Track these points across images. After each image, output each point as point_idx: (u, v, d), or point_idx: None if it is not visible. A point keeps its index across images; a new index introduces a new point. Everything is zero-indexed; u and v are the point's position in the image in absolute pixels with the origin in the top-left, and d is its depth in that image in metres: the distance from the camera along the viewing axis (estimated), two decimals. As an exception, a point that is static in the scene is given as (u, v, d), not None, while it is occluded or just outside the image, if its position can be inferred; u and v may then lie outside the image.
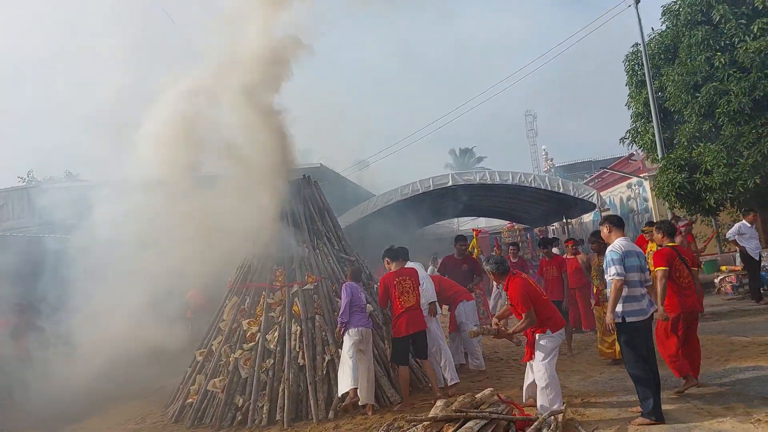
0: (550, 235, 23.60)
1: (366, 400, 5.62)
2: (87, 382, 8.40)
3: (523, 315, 4.82)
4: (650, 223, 9.84)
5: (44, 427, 6.93)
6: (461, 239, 8.07)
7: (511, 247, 10.04)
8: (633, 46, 13.06)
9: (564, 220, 23.09)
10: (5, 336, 8.98)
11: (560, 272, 7.63)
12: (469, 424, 4.08)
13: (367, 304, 6.27)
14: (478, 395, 4.70)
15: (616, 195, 19.54)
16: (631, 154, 17.15)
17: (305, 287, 6.64)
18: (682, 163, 11.10)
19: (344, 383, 5.62)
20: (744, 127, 10.16)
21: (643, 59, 12.25)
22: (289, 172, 7.61)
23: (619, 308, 4.61)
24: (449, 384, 6.10)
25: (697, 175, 10.80)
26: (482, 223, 36.89)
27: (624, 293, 4.62)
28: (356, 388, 5.57)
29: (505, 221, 32.09)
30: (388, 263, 6.30)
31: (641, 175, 16.03)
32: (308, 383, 5.85)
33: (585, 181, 24.05)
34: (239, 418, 5.87)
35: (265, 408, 5.80)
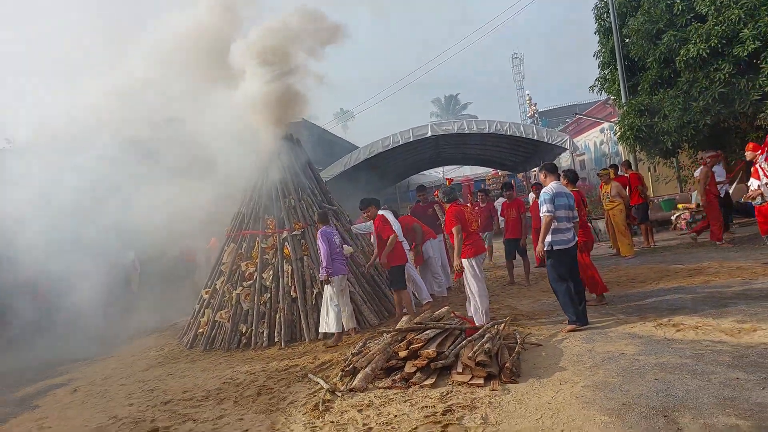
0: (532, 180, 24.59)
1: (349, 326, 6.70)
2: (112, 323, 9.65)
3: (453, 231, 5.94)
4: (603, 169, 10.83)
5: (83, 356, 8.09)
6: (421, 189, 9.12)
7: (480, 193, 10.98)
8: (601, -5, 13.56)
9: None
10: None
11: (518, 213, 8.61)
12: (428, 332, 5.16)
13: (346, 246, 7.28)
14: (436, 312, 5.81)
15: (591, 139, 20.38)
16: (607, 99, 17.88)
17: (294, 233, 7.61)
18: (642, 108, 11.87)
19: (329, 325, 6.63)
20: (698, 73, 10.87)
21: (610, 8, 12.79)
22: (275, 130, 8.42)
23: (548, 239, 5.62)
24: (423, 303, 7.23)
25: (656, 120, 11.61)
26: (467, 171, 37.73)
27: (553, 226, 5.61)
28: (341, 332, 6.63)
29: (489, 168, 33.01)
30: (365, 212, 7.31)
31: (612, 120, 16.84)
32: (300, 312, 6.94)
33: (564, 126, 24.83)
34: (244, 341, 7.00)
35: (265, 333, 6.91)
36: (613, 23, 12.64)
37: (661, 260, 9.04)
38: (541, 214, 5.68)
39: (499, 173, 31.67)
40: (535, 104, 45.29)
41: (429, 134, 17.73)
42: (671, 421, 3.26)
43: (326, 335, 6.78)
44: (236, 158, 8.17)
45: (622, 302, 6.47)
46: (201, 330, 7.45)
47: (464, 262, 5.99)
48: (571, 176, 6.88)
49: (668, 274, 7.73)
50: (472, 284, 5.99)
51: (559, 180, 5.97)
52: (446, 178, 11.02)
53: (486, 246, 11.46)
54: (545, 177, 5.92)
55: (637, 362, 4.32)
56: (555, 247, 5.61)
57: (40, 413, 5.60)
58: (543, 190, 5.79)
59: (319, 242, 6.73)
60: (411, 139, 17.81)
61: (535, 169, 28.72)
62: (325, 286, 6.74)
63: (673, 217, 12.15)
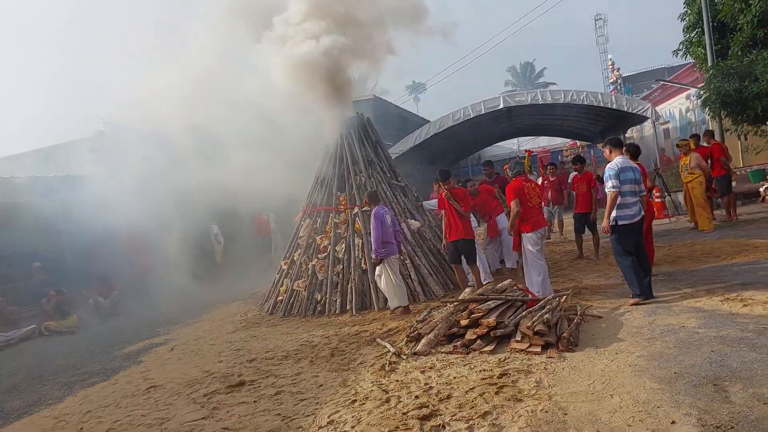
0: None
1: (394, 305, 6.94)
2: (203, 290, 10.81)
3: (511, 205, 6.14)
4: (683, 139, 10.28)
5: (178, 319, 9.15)
6: (488, 164, 9.10)
7: (549, 166, 10.84)
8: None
9: (623, 134, 22.81)
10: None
11: (589, 187, 8.50)
12: (489, 303, 5.41)
13: (413, 221, 7.63)
14: (499, 285, 6.02)
15: (676, 106, 19.12)
16: (694, 63, 16.66)
17: (364, 209, 8.05)
18: (731, 71, 11.05)
19: (398, 300, 6.87)
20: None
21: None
22: (345, 108, 8.85)
23: (613, 213, 5.61)
24: (483, 283, 7.44)
25: (746, 83, 10.78)
26: (544, 141, 36.48)
27: (618, 201, 5.59)
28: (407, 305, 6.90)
29: (567, 139, 31.78)
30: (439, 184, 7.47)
31: (698, 86, 15.70)
32: (370, 282, 7.41)
33: (647, 93, 23.38)
34: (319, 309, 7.61)
35: (338, 301, 7.46)
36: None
37: (742, 234, 8.62)
38: (606, 190, 5.67)
39: (578, 144, 30.43)
40: (619, 69, 42.64)
41: (501, 106, 17.47)
42: (720, 389, 3.33)
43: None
44: (307, 139, 8.73)
45: (693, 277, 6.34)
46: (280, 298, 8.15)
47: (522, 236, 6.14)
48: (633, 150, 6.74)
49: (746, 249, 7.41)
50: (529, 257, 6.16)
51: (623, 154, 5.90)
52: (525, 150, 10.86)
53: (556, 219, 11.38)
54: (610, 152, 5.88)
55: (696, 335, 4.34)
56: (620, 222, 5.60)
57: (144, 367, 6.50)
58: (608, 165, 5.76)
59: (373, 222, 6.85)
60: (482, 112, 17.65)
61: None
62: (389, 268, 6.92)
63: (761, 189, 11.35)
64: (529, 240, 6.19)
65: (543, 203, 8.96)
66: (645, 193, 5.96)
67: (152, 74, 13.18)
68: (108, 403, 5.16)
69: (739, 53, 11.19)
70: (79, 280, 12.71)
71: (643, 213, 5.80)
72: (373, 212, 6.95)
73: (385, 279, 6.91)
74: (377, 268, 7.00)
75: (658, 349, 4.21)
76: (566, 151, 30.20)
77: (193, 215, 14.46)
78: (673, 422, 3.06)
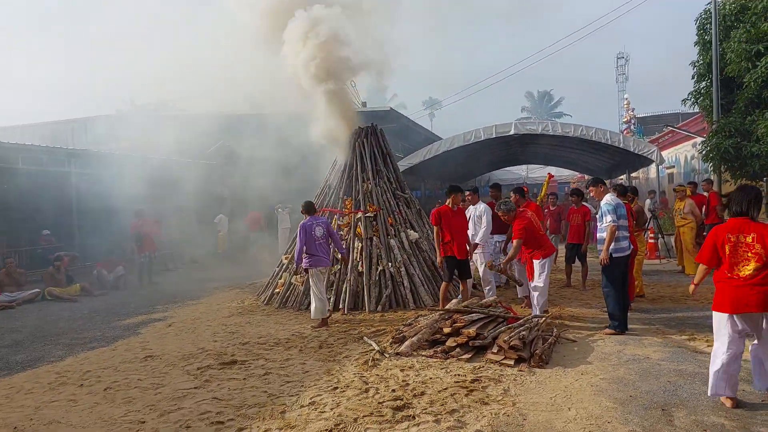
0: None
1: (317, 316, 6.93)
2: (203, 275, 11.22)
3: (514, 242, 6.44)
4: (680, 185, 10.67)
5: (173, 301, 9.52)
6: (495, 187, 9.19)
7: (550, 196, 11.22)
8: (707, 4, 13.05)
9: (626, 174, 23.21)
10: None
11: (584, 220, 8.86)
12: (473, 315, 5.77)
13: (412, 231, 8.02)
14: (484, 300, 6.38)
15: (682, 153, 19.51)
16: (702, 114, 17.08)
17: (367, 215, 8.43)
18: (733, 129, 11.46)
19: (316, 312, 6.91)
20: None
21: (713, 20, 12.32)
22: (359, 118, 9.28)
23: (612, 246, 5.92)
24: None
25: (746, 142, 11.19)
26: (552, 171, 36.95)
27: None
28: (326, 317, 6.97)
29: (575, 172, 32.18)
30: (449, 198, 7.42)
31: (704, 135, 16.11)
32: (364, 285, 7.77)
33: (656, 136, 23.79)
34: (312, 304, 7.96)
35: (331, 299, 7.81)
36: (713, 37, 12.19)
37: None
38: (605, 224, 5.92)
39: (585, 177, 30.85)
40: (633, 109, 43.14)
41: (512, 132, 17.83)
42: (667, 414, 3.68)
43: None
44: (320, 146, 9.19)
45: (669, 315, 6.67)
46: (277, 290, 8.52)
47: (536, 263, 6.57)
48: (621, 189, 7.19)
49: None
50: (537, 282, 6.52)
51: (611, 192, 6.26)
52: (548, 174, 11.02)
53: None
54: (600, 190, 6.24)
55: (658, 366, 4.69)
56: (614, 255, 5.92)
57: (143, 338, 6.87)
58: (604, 201, 6.06)
59: (298, 233, 7.10)
60: (493, 136, 18.02)
61: (621, 176, 27.81)
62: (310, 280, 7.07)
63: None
64: (542, 265, 6.56)
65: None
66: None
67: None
68: (107, 366, 5.53)
69: (743, 109, 11.57)
70: (85, 252, 13.14)
71: (632, 247, 6.15)
72: (300, 223, 7.18)
73: (311, 289, 7.06)
74: (315, 281, 7.06)
75: (620, 374, 4.56)
76: (573, 183, 30.61)
77: (203, 204, 14.95)
78: (618, 436, 3.41)
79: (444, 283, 7.12)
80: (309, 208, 7.33)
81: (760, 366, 3.79)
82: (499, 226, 8.18)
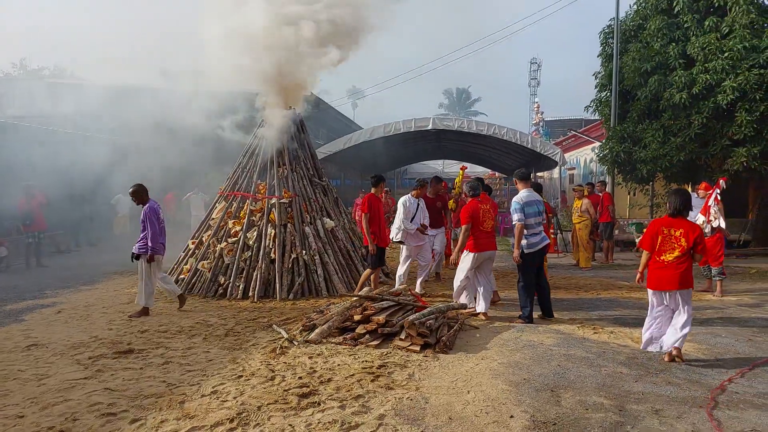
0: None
1: (150, 304, 6.78)
2: (97, 259, 10.37)
3: (462, 228, 6.45)
4: (579, 185, 11.54)
5: (65, 285, 8.77)
6: (437, 180, 9.23)
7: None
8: (609, 20, 14.10)
9: (533, 173, 24.63)
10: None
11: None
12: (383, 303, 5.86)
13: (328, 220, 8.01)
14: (394, 288, 6.52)
15: (582, 156, 21.04)
16: (602, 121, 18.52)
17: (281, 201, 8.26)
18: (626, 135, 12.56)
19: (146, 299, 6.72)
20: (680, 113, 11.55)
21: (614, 36, 13.35)
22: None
23: (523, 242, 6.25)
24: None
25: (635, 148, 12.30)
26: (467, 167, 38.39)
27: (526, 232, 6.25)
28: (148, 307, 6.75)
29: (488, 169, 33.64)
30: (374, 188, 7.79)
31: (602, 141, 17.50)
32: (276, 272, 7.62)
33: (561, 139, 25.48)
34: (220, 292, 7.69)
35: (240, 287, 7.60)
36: (614, 51, 13.20)
37: (612, 275, 9.81)
38: (513, 222, 6.25)
39: (496, 175, 32.34)
40: (542, 113, 45.92)
41: (430, 127, 18.24)
42: (555, 395, 3.98)
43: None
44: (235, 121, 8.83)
45: (563, 305, 7.20)
46: (183, 276, 8.12)
47: (464, 253, 6.54)
48: (536, 186, 7.40)
49: (612, 288, 8.51)
50: (462, 274, 6.62)
51: (530, 188, 6.54)
52: (461, 167, 11.08)
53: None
54: (516, 184, 6.55)
55: (550, 351, 5.05)
56: (526, 251, 6.24)
57: (27, 326, 6.28)
58: (513, 199, 6.34)
59: (151, 217, 6.65)
60: (412, 129, 18.34)
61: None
62: (143, 262, 6.71)
63: (637, 240, 12.89)
64: (466, 258, 6.50)
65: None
66: (545, 222, 6.68)
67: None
68: (-19, 356, 4.99)
69: (636, 118, 12.71)
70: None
71: (547, 240, 6.51)
72: (148, 207, 6.77)
73: (145, 276, 6.71)
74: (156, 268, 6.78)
75: (516, 359, 4.86)
76: (486, 179, 31.98)
77: (102, 182, 13.86)
78: (511, 416, 3.63)
79: (370, 270, 7.51)
80: (143, 192, 6.87)
81: (673, 330, 4.85)
82: (435, 220, 8.63)
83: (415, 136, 20.16)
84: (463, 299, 6.72)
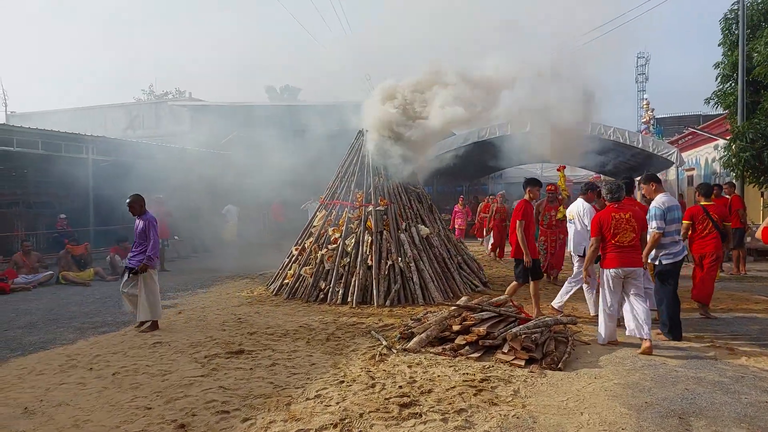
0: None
1: (148, 317, 6.48)
2: (211, 264, 11.23)
3: (591, 240, 5.60)
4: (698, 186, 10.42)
5: (184, 288, 9.55)
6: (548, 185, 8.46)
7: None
8: (732, 4, 12.69)
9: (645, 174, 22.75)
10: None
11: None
12: (483, 313, 5.67)
13: (423, 227, 7.93)
14: (495, 299, 6.27)
15: (703, 155, 19.10)
16: (726, 115, 16.66)
17: (378, 208, 8.35)
18: (753, 136, 11.04)
19: (153, 313, 6.48)
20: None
21: (740, 19, 11.97)
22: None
23: (654, 253, 5.70)
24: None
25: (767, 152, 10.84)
26: (567, 172, 36.44)
27: (663, 241, 5.66)
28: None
29: (591, 171, 31.69)
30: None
31: (727, 138, 15.72)
32: (373, 278, 7.70)
33: (676, 137, 23.34)
34: (321, 296, 7.92)
35: (340, 292, 7.76)
36: (740, 37, 11.82)
37: (746, 288, 8.72)
38: (650, 230, 5.65)
39: (601, 177, 30.40)
40: (653, 110, 42.47)
41: (528, 129, 17.53)
42: (685, 423, 3.55)
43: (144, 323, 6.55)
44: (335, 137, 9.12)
45: (687, 322, 6.49)
46: (287, 281, 8.48)
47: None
48: (628, 185, 6.59)
49: (746, 303, 7.54)
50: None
51: (665, 191, 5.89)
52: (559, 167, 9.29)
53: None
54: (654, 188, 5.90)
55: (675, 372, 4.55)
56: (664, 261, 5.70)
57: (153, 325, 6.88)
58: (653, 204, 5.73)
59: (152, 228, 6.50)
60: (508, 133, 17.77)
61: (638, 178, 27.28)
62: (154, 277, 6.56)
63: (774, 248, 11.38)
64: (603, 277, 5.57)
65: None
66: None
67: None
68: (116, 351, 5.53)
69: (768, 111, 11.25)
70: (100, 237, 13.27)
71: (685, 251, 5.90)
72: (149, 218, 6.62)
73: (145, 290, 6.46)
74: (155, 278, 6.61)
75: (635, 379, 4.43)
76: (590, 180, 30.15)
77: (214, 193, 15.00)
78: (632, 443, 3.30)
79: (518, 283, 6.76)
80: (141, 204, 6.71)
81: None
82: None
83: (512, 138, 19.51)
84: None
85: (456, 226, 17.37)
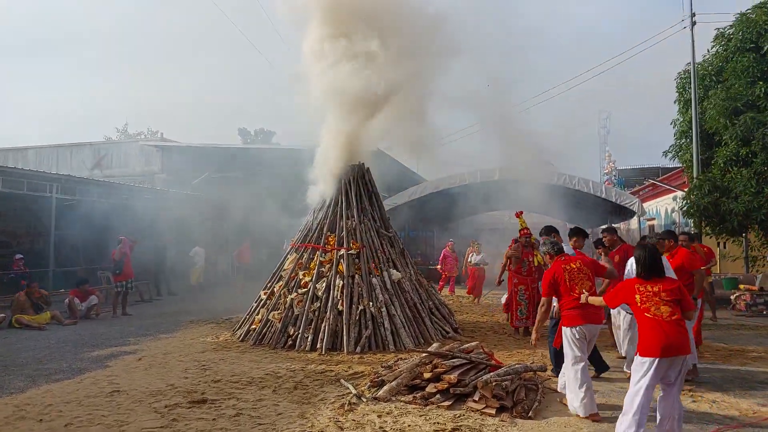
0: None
1: None
2: (176, 308, 10.84)
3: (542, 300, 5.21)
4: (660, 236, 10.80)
5: (146, 333, 9.19)
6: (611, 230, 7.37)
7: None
8: (686, 65, 13.62)
9: (608, 224, 23.50)
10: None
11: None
12: (454, 360, 5.63)
13: (395, 271, 7.95)
14: (466, 345, 6.25)
15: (663, 205, 19.91)
16: (683, 168, 17.54)
17: (350, 252, 8.33)
18: (709, 188, 11.65)
19: None
20: (776, 156, 10.71)
21: (692, 80, 12.82)
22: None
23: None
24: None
25: (724, 199, 11.41)
26: (535, 219, 37.34)
27: None
28: None
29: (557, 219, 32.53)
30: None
31: (685, 190, 16.50)
32: (344, 324, 7.59)
33: (637, 188, 24.34)
34: (289, 343, 7.74)
35: (309, 338, 7.61)
36: (692, 95, 12.65)
37: (707, 336, 8.90)
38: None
39: (567, 225, 31.21)
40: (614, 161, 44.39)
41: (497, 177, 18.07)
42: (652, 471, 3.56)
43: None
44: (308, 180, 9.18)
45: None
46: (254, 326, 8.27)
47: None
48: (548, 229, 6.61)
49: (708, 350, 7.69)
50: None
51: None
52: (516, 213, 9.08)
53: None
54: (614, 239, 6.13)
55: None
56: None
57: (111, 372, 6.55)
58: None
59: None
60: (478, 181, 18.25)
61: (603, 226, 28.14)
62: None
63: (732, 297, 11.76)
64: (566, 336, 4.99)
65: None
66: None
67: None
68: (70, 400, 5.23)
69: (722, 166, 11.89)
70: (59, 279, 12.74)
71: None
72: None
73: None
74: None
75: (604, 428, 4.44)
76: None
77: (179, 236, 14.73)
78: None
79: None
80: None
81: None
82: None
83: (481, 187, 19.98)
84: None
85: (446, 273, 15.81)
